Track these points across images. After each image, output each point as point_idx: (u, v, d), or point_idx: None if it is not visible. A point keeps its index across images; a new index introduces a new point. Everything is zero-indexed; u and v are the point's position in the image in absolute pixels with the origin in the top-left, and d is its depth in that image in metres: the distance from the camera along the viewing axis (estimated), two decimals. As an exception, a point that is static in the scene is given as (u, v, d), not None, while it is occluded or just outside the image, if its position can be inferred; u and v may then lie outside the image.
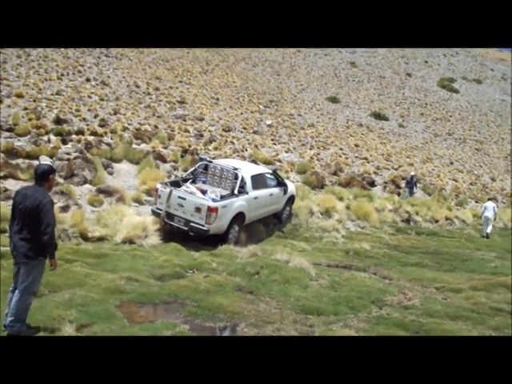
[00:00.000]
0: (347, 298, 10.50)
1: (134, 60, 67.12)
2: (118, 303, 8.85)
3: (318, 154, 42.05)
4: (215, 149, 31.98)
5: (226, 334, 8.28)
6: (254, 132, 45.79)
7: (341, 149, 48.24)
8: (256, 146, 37.64)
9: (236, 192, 14.67)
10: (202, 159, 16.84)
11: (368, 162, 43.34)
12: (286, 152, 38.86)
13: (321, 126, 60.82)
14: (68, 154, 19.79)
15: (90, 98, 42.77)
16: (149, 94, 51.98)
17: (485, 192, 42.61)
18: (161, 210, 14.14)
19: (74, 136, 24.09)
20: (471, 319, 9.88)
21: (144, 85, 55.23)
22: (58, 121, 27.73)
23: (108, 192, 16.50)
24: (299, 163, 31.99)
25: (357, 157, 45.31)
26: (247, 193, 14.90)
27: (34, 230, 6.60)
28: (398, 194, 30.00)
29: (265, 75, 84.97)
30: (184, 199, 13.88)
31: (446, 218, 25.07)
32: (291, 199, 18.18)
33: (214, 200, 13.94)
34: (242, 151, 33.85)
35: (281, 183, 17.13)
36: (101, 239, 12.99)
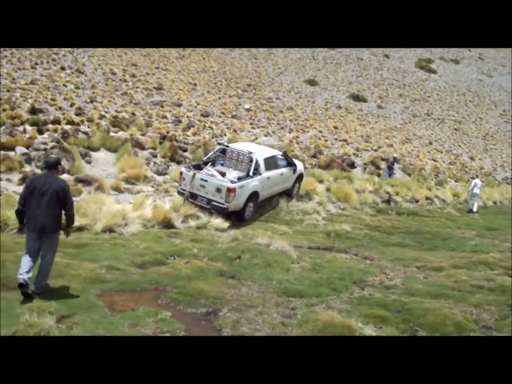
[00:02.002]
0: (329, 280, 10.51)
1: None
2: (98, 292, 8.76)
3: (297, 136, 42.05)
4: (194, 134, 31.81)
5: (209, 319, 8.23)
6: (233, 116, 45.65)
7: (320, 131, 48.27)
8: (235, 131, 37.55)
9: (251, 174, 16.32)
10: (220, 144, 19.04)
11: (347, 144, 43.45)
12: (265, 136, 38.84)
13: (299, 108, 60.75)
14: (45, 143, 19.53)
15: (66, 86, 42.30)
16: (125, 81, 51.50)
17: (464, 171, 42.96)
18: (185, 190, 15.90)
19: (50, 125, 23.79)
20: (452, 297, 9.95)
21: (120, 72, 54.67)
22: (34, 110, 27.42)
23: (86, 181, 16.34)
24: (278, 146, 31.91)
25: (336, 139, 45.38)
26: (261, 174, 16.63)
27: (60, 208, 7.96)
28: (378, 175, 30.12)
29: (242, 59, 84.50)
30: (206, 181, 15.66)
31: (426, 198, 25.22)
32: (300, 177, 19.84)
33: (232, 182, 15.70)
34: (221, 136, 33.75)
35: (290, 163, 18.85)
36: (80, 229, 12.83)
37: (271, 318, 8.25)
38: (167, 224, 14.26)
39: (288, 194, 19.17)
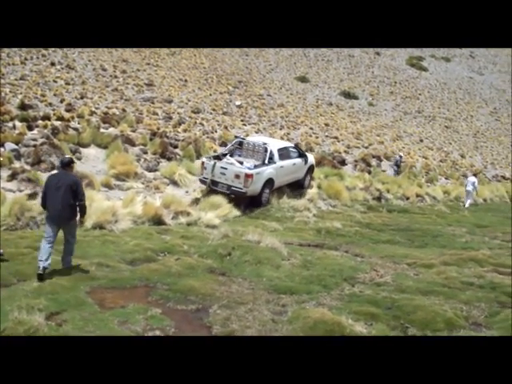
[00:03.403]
0: (319, 277, 10.49)
1: (100, 43, 66.00)
2: (88, 289, 8.72)
3: (288, 133, 42.04)
4: (184, 131, 31.70)
5: (199, 316, 8.20)
6: (224, 113, 45.58)
7: (311, 128, 48.29)
8: (226, 127, 37.49)
9: (266, 162, 18.00)
10: (236, 137, 20.99)
11: (338, 141, 43.47)
12: (256, 132, 38.80)
13: (290, 105, 60.73)
14: (34, 140, 19.42)
15: (56, 82, 42.11)
16: (116, 77, 51.30)
17: (454, 169, 43.08)
18: (207, 178, 17.52)
19: (39, 122, 23.69)
20: (443, 294, 9.96)
21: (111, 68, 54.47)
22: (23, 106, 27.28)
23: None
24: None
25: (327, 136, 45.40)
26: (275, 162, 18.20)
27: (72, 199, 9.09)
28: (369, 173, 30.14)
29: (233, 56, 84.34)
30: (226, 169, 17.27)
31: (417, 195, 25.29)
32: (311, 168, 21.31)
33: (249, 168, 17.29)
34: (212, 133, 33.64)
35: (302, 155, 20.33)
36: (70, 225, 12.79)
37: (261, 315, 8.23)
38: (157, 221, 14.23)
39: (300, 184, 20.56)
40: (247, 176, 16.84)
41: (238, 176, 16.94)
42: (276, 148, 18.64)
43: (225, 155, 18.86)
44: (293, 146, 20.64)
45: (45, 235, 9.27)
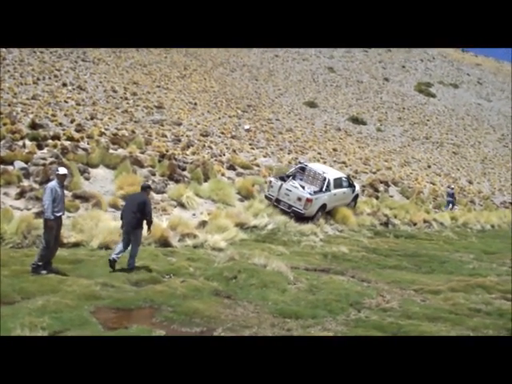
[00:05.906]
0: (325, 302, 10.45)
1: (111, 65, 66.59)
2: (92, 309, 8.71)
3: (296, 158, 41.99)
4: (193, 153, 31.74)
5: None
6: (232, 137, 45.59)
7: (319, 153, 48.26)
8: (234, 151, 37.48)
9: (324, 190, 20.57)
10: (300, 163, 24.40)
11: (346, 166, 43.37)
12: (264, 156, 38.75)
13: (299, 130, 60.81)
14: (44, 159, 19.47)
15: (67, 102, 42.33)
16: (126, 98, 51.55)
17: (462, 195, 42.92)
18: (272, 196, 20.15)
19: (49, 141, 23.73)
20: (450, 320, 9.88)
21: (121, 90, 54.80)
22: (34, 126, 27.36)
23: (84, 197, 16.33)
24: (277, 168, 31.84)
25: (335, 161, 45.35)
26: (330, 191, 20.83)
27: (140, 215, 11.22)
28: (377, 198, 30.06)
29: (243, 80, 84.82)
30: (290, 191, 19.86)
31: (424, 221, 25.20)
32: (356, 196, 24.19)
33: (310, 194, 19.79)
34: (220, 156, 33.67)
35: (351, 185, 23.17)
36: (76, 245, 12.82)
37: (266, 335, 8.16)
38: (164, 242, 14.21)
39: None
40: (308, 200, 19.37)
41: (299, 199, 19.46)
42: (333, 178, 21.30)
43: (288, 177, 21.45)
44: (345, 176, 23.65)
45: (120, 239, 11.62)
